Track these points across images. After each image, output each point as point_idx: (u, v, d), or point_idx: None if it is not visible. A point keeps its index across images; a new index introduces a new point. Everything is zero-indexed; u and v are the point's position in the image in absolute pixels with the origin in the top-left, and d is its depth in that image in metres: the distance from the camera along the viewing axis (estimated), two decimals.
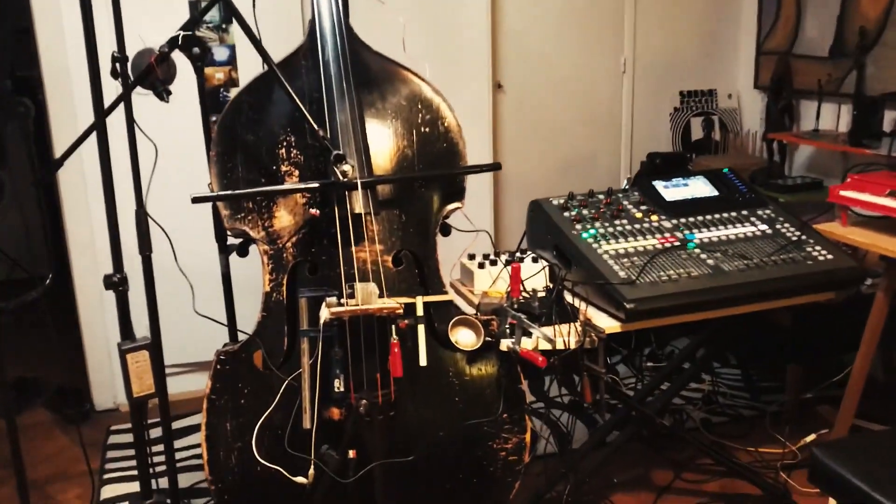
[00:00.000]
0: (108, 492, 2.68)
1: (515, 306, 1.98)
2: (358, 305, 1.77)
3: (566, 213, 2.35)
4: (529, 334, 1.92)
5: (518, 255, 2.37)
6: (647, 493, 2.53)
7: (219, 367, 1.88)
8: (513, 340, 1.91)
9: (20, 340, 3.75)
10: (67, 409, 3.32)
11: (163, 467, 2.09)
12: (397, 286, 1.92)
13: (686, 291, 2.05)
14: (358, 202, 1.85)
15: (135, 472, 2.66)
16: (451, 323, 1.93)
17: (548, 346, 1.94)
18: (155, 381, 1.74)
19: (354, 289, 1.78)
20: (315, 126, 1.75)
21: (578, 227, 2.29)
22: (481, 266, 2.28)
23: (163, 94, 1.98)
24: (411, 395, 1.89)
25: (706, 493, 2.55)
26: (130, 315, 1.77)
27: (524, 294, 2.11)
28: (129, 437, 2.99)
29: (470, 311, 2.10)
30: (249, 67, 3.10)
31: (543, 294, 2.10)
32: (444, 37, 3.29)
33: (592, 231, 2.27)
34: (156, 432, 3.00)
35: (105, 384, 3.34)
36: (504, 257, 2.34)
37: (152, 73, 1.94)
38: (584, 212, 2.36)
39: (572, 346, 1.95)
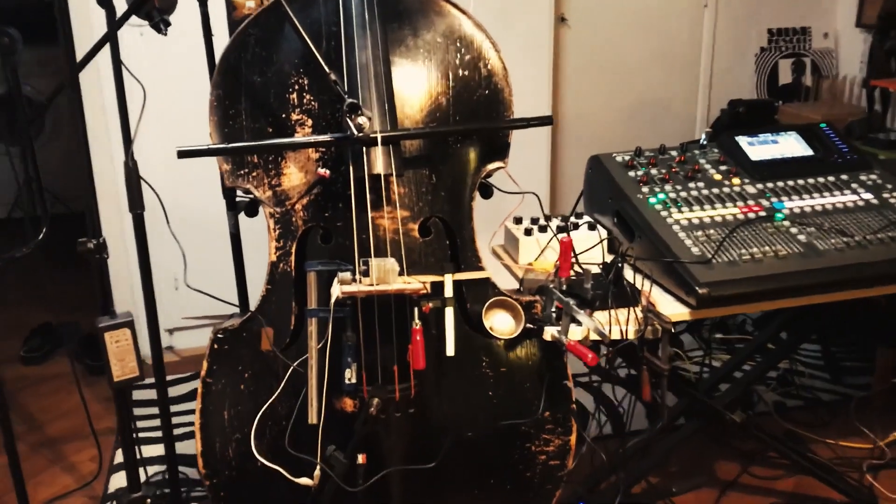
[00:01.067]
0: (122, 456, 2.51)
1: (564, 287, 1.67)
2: (373, 285, 1.49)
3: (631, 173, 2.01)
4: (579, 323, 1.61)
5: (573, 220, 2.04)
6: (710, 488, 2.23)
7: (216, 346, 1.63)
8: (559, 329, 1.61)
9: (50, 283, 3.61)
10: (89, 359, 3.16)
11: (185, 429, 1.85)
12: (424, 260, 1.63)
13: (771, 275, 1.71)
14: (378, 161, 1.54)
15: (155, 434, 2.49)
16: (485, 305, 1.64)
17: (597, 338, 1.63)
18: (153, 360, 1.49)
19: (369, 265, 1.49)
20: (326, 67, 1.44)
21: (645, 189, 1.95)
22: (528, 233, 1.97)
23: (160, 25, 1.68)
24: (436, 389, 1.62)
25: (778, 493, 2.24)
26: (111, 286, 1.52)
27: (576, 270, 1.80)
28: (151, 394, 2.83)
29: (513, 286, 1.80)
30: None
31: (599, 271, 1.78)
32: None
33: (661, 195, 1.92)
34: (177, 390, 2.83)
35: None
36: (556, 223, 2.02)
37: (148, 1, 1.65)
38: (653, 171, 2.01)
39: (630, 336, 1.64)
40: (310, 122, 1.61)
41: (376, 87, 1.57)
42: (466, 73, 1.66)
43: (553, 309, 1.65)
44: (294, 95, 1.62)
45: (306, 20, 1.62)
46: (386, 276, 1.49)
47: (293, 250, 1.63)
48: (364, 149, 1.53)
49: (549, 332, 1.62)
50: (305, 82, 1.62)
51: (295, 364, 1.58)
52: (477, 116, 1.66)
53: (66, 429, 2.76)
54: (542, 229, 1.98)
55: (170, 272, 2.95)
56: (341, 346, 1.54)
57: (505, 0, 2.90)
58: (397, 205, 1.59)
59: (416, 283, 1.52)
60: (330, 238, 1.62)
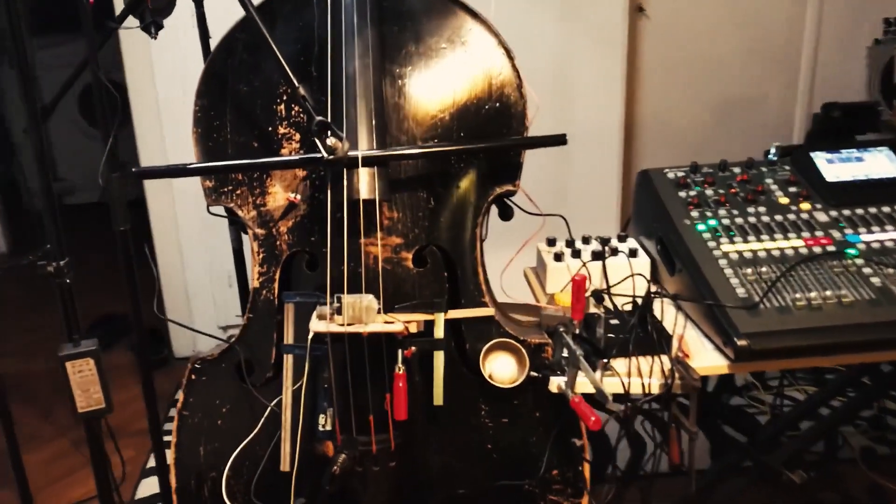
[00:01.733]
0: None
1: (577, 331, 1.46)
2: (345, 324, 1.32)
3: (682, 193, 1.75)
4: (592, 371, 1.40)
5: (613, 244, 1.81)
6: None
7: (193, 377, 1.51)
8: (566, 380, 1.40)
9: (113, 274, 3.63)
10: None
11: None
12: (418, 293, 1.45)
13: (830, 327, 1.43)
14: (362, 184, 1.37)
15: None
16: (484, 348, 1.44)
17: (618, 390, 1.41)
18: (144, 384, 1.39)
19: (342, 303, 1.33)
20: (292, 78, 1.27)
21: (695, 214, 1.69)
22: (558, 258, 1.75)
23: (150, 27, 1.57)
24: (423, 440, 1.44)
25: None
26: (76, 310, 1.42)
27: (605, 306, 1.58)
28: None
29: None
30: None
31: (630, 307, 1.56)
32: None
33: (712, 221, 1.67)
34: None
35: (183, 331, 3.12)
36: (593, 246, 1.79)
37: (141, 2, 1.54)
38: (708, 192, 1.75)
39: (654, 390, 1.41)
40: (297, 136, 1.46)
41: (364, 101, 1.39)
42: (472, 83, 1.46)
43: (564, 354, 1.44)
44: (282, 107, 1.47)
45: (298, 23, 1.47)
46: (362, 314, 1.32)
47: (277, 277, 1.48)
48: (346, 171, 1.36)
49: (556, 384, 1.41)
50: (326, 80, 1.46)
51: (272, 405, 1.44)
52: (484, 133, 1.46)
53: (113, 425, 2.75)
54: (576, 254, 1.75)
55: (223, 269, 2.90)
56: (317, 388, 1.39)
57: None
58: (381, 231, 1.42)
59: (398, 323, 1.34)
60: (317, 265, 1.46)
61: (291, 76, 1.29)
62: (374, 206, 1.39)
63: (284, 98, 1.47)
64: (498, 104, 1.46)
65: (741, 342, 1.41)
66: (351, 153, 1.34)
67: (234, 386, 1.49)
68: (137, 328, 1.64)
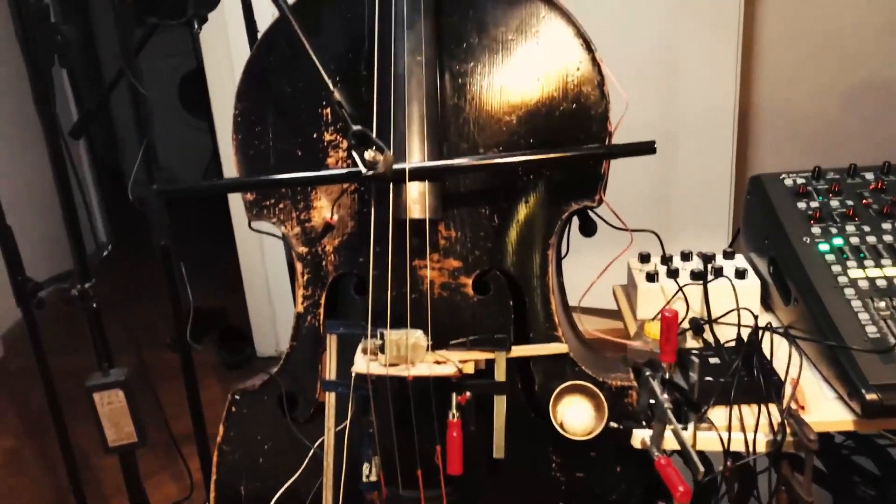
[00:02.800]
0: None
1: (667, 375, 1.23)
2: (387, 365, 1.14)
3: (801, 204, 1.48)
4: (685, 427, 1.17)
5: (720, 260, 1.56)
6: None
7: (233, 409, 1.37)
8: (652, 435, 1.18)
9: (208, 265, 3.59)
10: (228, 351, 3.09)
11: None
12: (479, 325, 1.25)
13: None
14: (411, 202, 1.18)
15: None
16: (555, 392, 1.23)
17: (715, 447, 1.18)
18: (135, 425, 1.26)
19: (385, 340, 1.15)
20: (327, 79, 1.09)
21: (816, 230, 1.42)
22: (651, 278, 1.52)
23: (193, 21, 1.43)
24: (480, 498, 1.25)
25: None
26: (106, 335, 1.30)
27: (704, 339, 1.34)
28: None
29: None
30: None
31: (734, 343, 1.32)
32: None
33: (838, 240, 1.39)
34: None
35: (266, 330, 3.04)
36: (693, 264, 1.55)
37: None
38: (834, 203, 1.47)
39: (760, 448, 1.18)
40: (345, 143, 1.28)
41: (416, 104, 1.20)
42: (545, 80, 1.24)
43: (652, 401, 1.22)
44: (328, 110, 1.29)
45: (348, 14, 1.29)
46: (406, 353, 1.14)
47: (322, 301, 1.32)
48: (393, 185, 1.18)
49: (639, 438, 1.19)
50: (343, 94, 1.29)
51: (314, 447, 1.28)
52: (558, 139, 1.25)
53: (188, 426, 2.69)
54: (672, 273, 1.52)
55: None
56: (361, 433, 1.22)
57: None
58: (436, 253, 1.23)
59: (450, 364, 1.15)
60: (367, 289, 1.29)
61: (326, 77, 1.11)
62: (425, 226, 1.20)
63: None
64: (574, 105, 1.24)
65: (870, 395, 1.15)
66: (397, 166, 1.15)
67: (276, 422, 1.35)
68: (183, 351, 1.52)
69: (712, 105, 2.46)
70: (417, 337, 1.16)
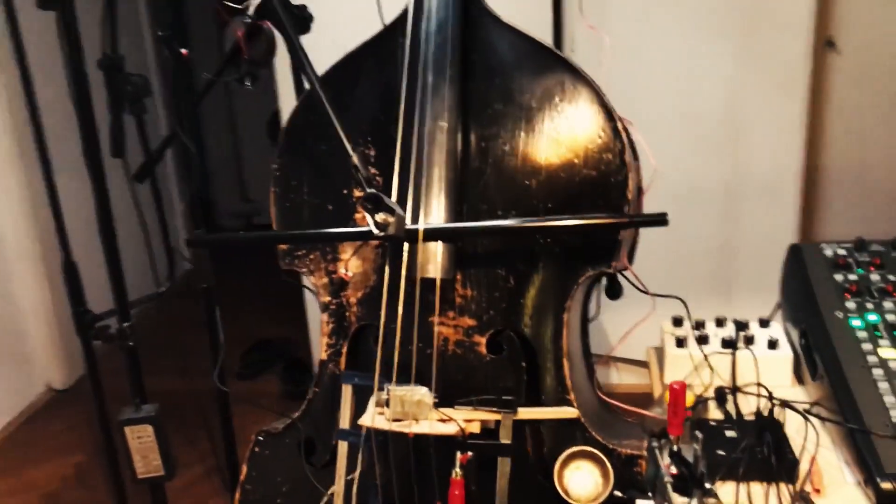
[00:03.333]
0: None
1: (674, 448, 1.21)
2: (392, 420, 1.18)
3: (839, 276, 1.45)
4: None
5: (754, 328, 1.54)
6: None
7: (256, 449, 1.43)
8: None
9: (271, 299, 3.69)
10: (293, 382, 3.17)
11: None
12: (491, 384, 1.27)
13: None
14: (426, 261, 1.22)
15: None
16: (560, 458, 1.24)
17: None
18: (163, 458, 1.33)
19: (390, 395, 1.18)
20: (346, 144, 1.15)
21: (851, 305, 1.39)
22: (680, 343, 1.50)
23: (244, 79, 1.52)
24: None
25: None
26: (141, 373, 1.38)
27: (726, 410, 1.33)
28: None
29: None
30: None
31: (754, 417, 1.29)
32: None
33: (873, 316, 1.36)
34: None
35: None
36: (727, 331, 1.53)
37: (237, 55, 1.50)
38: (874, 277, 1.44)
39: None
40: (400, 186, 1.33)
41: (437, 168, 1.24)
42: (566, 147, 1.26)
43: (656, 472, 1.21)
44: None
45: (381, 79, 1.36)
46: (410, 410, 1.17)
47: (344, 351, 1.37)
48: (408, 245, 1.22)
49: None
50: (372, 153, 1.35)
51: (328, 493, 1.32)
52: (577, 205, 1.26)
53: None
54: (703, 340, 1.50)
55: None
56: (370, 482, 1.26)
57: (742, 19, 2.35)
58: (451, 311, 1.26)
59: (452, 424, 1.18)
60: (386, 342, 1.33)
61: (346, 141, 1.17)
62: (441, 284, 1.24)
63: (361, 159, 1.35)
64: (595, 172, 1.25)
65: (885, 484, 1.12)
66: (410, 226, 1.19)
67: (295, 465, 1.39)
68: (219, 391, 1.59)
69: (777, 165, 2.42)
70: (423, 394, 1.19)
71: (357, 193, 1.35)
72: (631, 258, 1.47)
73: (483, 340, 1.28)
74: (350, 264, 1.35)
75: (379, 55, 1.35)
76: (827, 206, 2.53)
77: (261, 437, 1.42)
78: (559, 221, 1.22)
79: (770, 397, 1.30)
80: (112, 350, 3.23)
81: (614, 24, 2.44)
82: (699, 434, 1.18)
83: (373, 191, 1.12)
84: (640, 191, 1.41)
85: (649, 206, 2.47)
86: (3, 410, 3.02)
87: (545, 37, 2.44)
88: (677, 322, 1.58)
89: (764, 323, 1.56)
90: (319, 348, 1.39)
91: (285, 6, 1.45)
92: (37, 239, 3.06)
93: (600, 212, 1.25)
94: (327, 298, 1.38)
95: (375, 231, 1.13)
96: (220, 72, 1.54)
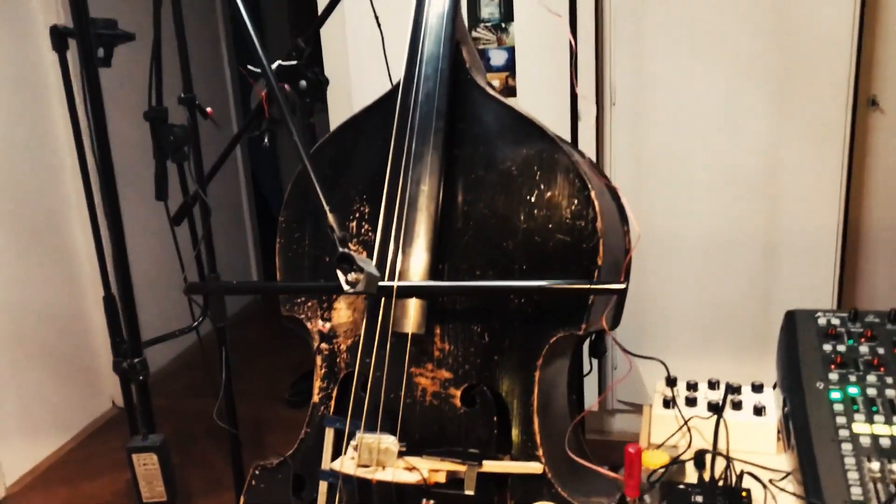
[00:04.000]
0: None
1: None
2: (359, 466, 1.25)
3: (827, 346, 1.45)
4: None
5: (746, 393, 1.55)
6: None
7: (253, 483, 1.52)
8: None
9: None
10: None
11: None
12: (463, 434, 1.34)
13: None
14: (405, 317, 1.30)
15: None
16: None
17: None
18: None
19: (359, 442, 1.26)
20: (325, 204, 1.24)
21: (834, 376, 1.39)
22: (667, 404, 1.53)
23: (264, 136, 1.65)
24: None
25: None
26: (150, 404, 1.50)
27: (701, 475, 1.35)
28: None
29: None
30: (530, 75, 2.60)
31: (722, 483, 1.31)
32: (764, 19, 2.36)
33: (854, 389, 1.36)
34: None
35: None
36: (717, 394, 1.55)
37: (260, 113, 1.63)
38: (863, 348, 1.43)
39: None
40: (365, 254, 1.43)
41: (419, 228, 1.33)
42: (542, 213, 1.32)
43: None
44: (354, 224, 1.45)
45: (379, 141, 1.45)
46: (377, 457, 1.25)
47: (334, 395, 1.45)
48: (384, 300, 1.30)
49: None
50: (367, 211, 1.44)
51: None
52: (550, 268, 1.32)
53: None
54: (691, 402, 1.53)
55: None
56: None
57: (782, 75, 2.36)
58: (430, 363, 1.33)
59: (415, 473, 1.25)
60: (364, 389, 1.41)
61: (324, 201, 1.26)
62: (416, 339, 1.32)
63: (356, 215, 1.45)
64: (568, 238, 1.31)
65: None
66: (384, 283, 1.28)
67: (286, 499, 1.48)
68: (229, 419, 1.70)
69: (815, 221, 2.40)
70: (389, 443, 1.26)
71: (352, 247, 1.44)
72: (618, 318, 1.51)
73: (458, 393, 1.35)
74: (335, 316, 1.44)
75: (377, 120, 1.45)
76: (867, 266, 2.49)
77: (257, 471, 1.52)
78: (524, 284, 1.29)
79: (727, 465, 1.31)
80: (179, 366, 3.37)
81: (655, 75, 2.49)
82: (647, 499, 1.22)
83: (344, 250, 1.21)
84: (626, 252, 1.46)
85: (683, 256, 2.50)
86: (70, 424, 3.24)
87: (588, 86, 2.53)
88: (671, 381, 1.60)
89: (757, 388, 1.58)
90: (313, 391, 1.48)
91: (299, 71, 1.56)
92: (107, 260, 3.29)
93: (572, 275, 1.31)
94: (321, 345, 1.47)
95: (346, 287, 1.21)
96: (244, 128, 1.67)
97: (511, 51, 2.61)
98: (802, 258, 2.43)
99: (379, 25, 1.57)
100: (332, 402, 1.46)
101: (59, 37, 1.71)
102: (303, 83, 1.58)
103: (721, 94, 2.45)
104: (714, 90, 2.45)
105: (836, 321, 1.50)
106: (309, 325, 1.49)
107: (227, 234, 4.22)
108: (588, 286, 1.24)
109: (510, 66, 2.62)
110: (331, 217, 1.23)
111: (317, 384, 1.48)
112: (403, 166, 1.35)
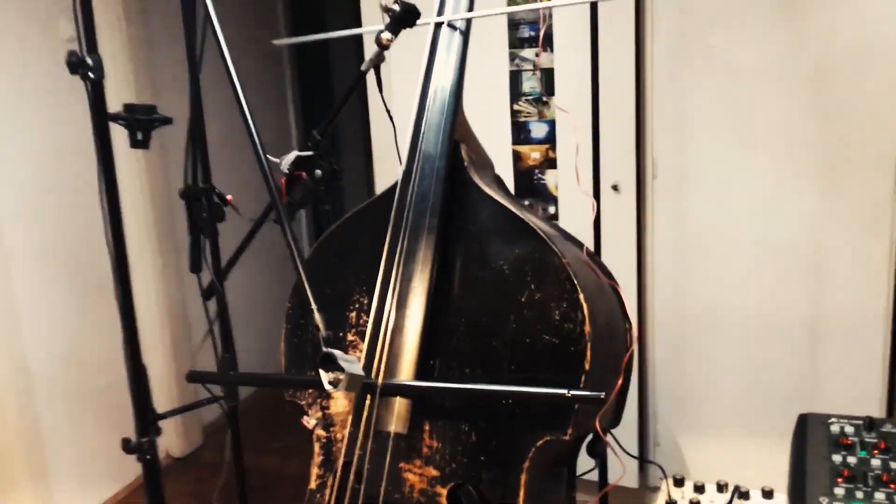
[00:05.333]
0: None
1: None
2: None
3: (837, 457, 1.40)
4: None
5: (755, 499, 1.50)
6: None
7: None
8: None
9: None
10: None
11: None
12: None
13: None
14: (389, 415, 1.32)
15: None
16: None
17: None
18: None
19: None
20: (312, 301, 1.27)
21: (840, 491, 1.33)
22: None
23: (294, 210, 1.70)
24: None
25: None
26: (159, 484, 1.54)
27: None
28: None
29: None
30: (569, 148, 2.61)
31: None
32: (807, 97, 2.30)
33: None
34: None
35: None
36: (724, 497, 1.50)
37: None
38: (875, 461, 1.37)
39: None
40: (361, 344, 1.45)
41: (407, 325, 1.34)
42: (532, 313, 1.32)
43: None
44: (353, 314, 1.48)
45: (378, 234, 1.47)
46: None
47: (330, 483, 1.47)
48: (369, 398, 1.32)
49: None
50: (366, 302, 1.47)
51: None
52: (537, 369, 1.32)
53: None
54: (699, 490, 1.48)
55: None
56: None
57: (828, 155, 2.30)
58: (419, 459, 1.34)
59: None
60: (361, 480, 1.42)
61: (311, 298, 1.29)
62: (407, 435, 1.33)
63: (356, 306, 1.47)
64: (557, 340, 1.30)
65: None
66: (368, 380, 1.30)
67: None
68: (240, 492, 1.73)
69: (861, 306, 2.31)
70: None
71: (350, 337, 1.47)
72: (618, 417, 1.49)
73: (444, 492, 1.35)
74: (332, 405, 1.46)
75: (378, 214, 1.48)
76: None
77: None
78: (504, 388, 1.29)
79: None
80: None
81: (698, 151, 2.46)
82: None
83: (326, 350, 1.24)
84: (626, 349, 1.45)
85: (723, 334, 2.44)
86: (124, 474, 3.34)
87: (628, 161, 2.52)
88: (678, 482, 1.56)
89: (767, 493, 1.52)
90: (310, 477, 1.50)
91: (315, 161, 1.61)
92: (167, 316, 3.41)
93: (559, 377, 1.30)
94: (319, 432, 1.49)
95: (328, 386, 1.23)
96: (265, 213, 1.72)
97: (552, 124, 2.63)
98: (848, 345, 2.34)
99: (391, 118, 1.60)
100: (328, 491, 1.47)
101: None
102: (318, 172, 1.63)
103: (764, 172, 2.40)
104: (756, 167, 2.40)
105: (849, 429, 1.44)
106: (310, 411, 1.51)
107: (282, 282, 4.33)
108: (566, 393, 1.23)
109: (551, 139, 2.63)
110: (318, 316, 1.26)
111: (314, 471, 1.50)
112: (396, 264, 1.38)
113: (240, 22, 4.04)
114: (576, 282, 1.31)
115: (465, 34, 1.46)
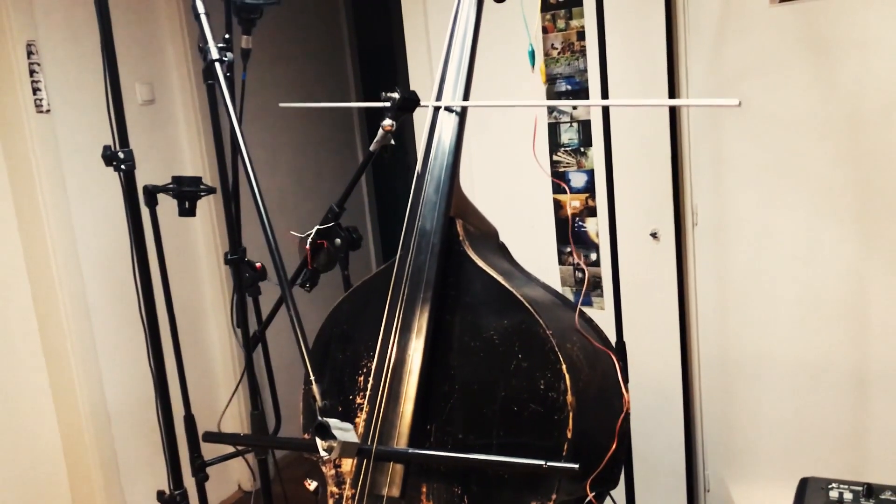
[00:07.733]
0: None
1: None
2: None
3: None
4: None
5: None
6: None
7: None
8: None
9: None
10: None
11: None
12: None
13: None
14: (386, 479, 1.41)
15: None
16: None
17: None
18: None
19: None
20: (309, 369, 1.37)
21: None
22: None
23: (305, 283, 1.83)
24: None
25: None
26: None
27: None
28: None
29: None
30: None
31: None
32: (844, 143, 2.28)
33: None
34: None
35: None
36: None
37: (304, 265, 1.82)
38: None
39: None
40: (369, 408, 1.55)
41: (402, 393, 1.43)
42: (518, 382, 1.39)
43: None
44: (362, 378, 1.58)
45: (383, 303, 1.57)
46: None
47: None
48: (365, 464, 1.42)
49: None
50: (373, 367, 1.56)
51: None
52: (524, 435, 1.38)
53: None
54: None
55: None
56: None
57: (867, 201, 2.27)
58: None
59: None
60: None
61: (310, 366, 1.39)
62: (393, 501, 1.42)
63: (364, 371, 1.57)
64: (541, 408, 1.37)
65: None
66: (362, 446, 1.39)
67: None
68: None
69: (876, 348, 2.27)
70: None
71: (359, 400, 1.57)
72: (614, 480, 1.53)
73: None
74: (343, 463, 1.56)
75: (383, 284, 1.58)
76: None
77: None
78: (483, 457, 1.36)
79: None
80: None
81: (737, 198, 2.46)
82: None
83: (321, 420, 1.34)
84: (622, 408, 1.50)
85: (767, 381, 2.42)
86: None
87: (666, 208, 2.54)
88: None
89: None
90: None
91: (335, 231, 1.73)
92: (235, 355, 3.61)
93: (544, 445, 1.36)
94: (333, 489, 1.60)
95: (323, 454, 1.34)
96: (293, 279, 1.85)
97: (590, 173, 2.68)
98: (894, 394, 2.29)
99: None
100: None
101: (149, 195, 1.98)
102: (338, 240, 1.75)
103: (804, 219, 2.38)
104: (796, 214, 2.39)
105: (848, 496, 1.44)
106: (323, 468, 1.62)
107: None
108: (542, 464, 1.29)
109: (590, 188, 2.68)
110: (315, 388, 1.36)
111: None
112: (393, 334, 1.47)
113: None
114: (559, 353, 1.37)
115: (461, 116, 1.55)
